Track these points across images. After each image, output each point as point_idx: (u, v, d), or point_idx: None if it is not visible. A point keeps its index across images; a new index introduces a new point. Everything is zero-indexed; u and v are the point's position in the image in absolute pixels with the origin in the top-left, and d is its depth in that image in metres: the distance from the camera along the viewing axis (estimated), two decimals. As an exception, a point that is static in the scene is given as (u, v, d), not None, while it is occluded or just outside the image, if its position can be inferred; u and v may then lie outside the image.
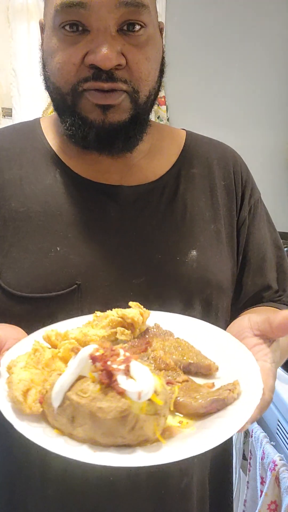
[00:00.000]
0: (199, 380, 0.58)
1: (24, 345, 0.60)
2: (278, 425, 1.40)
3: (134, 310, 0.66)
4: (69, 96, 0.68)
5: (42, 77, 0.72)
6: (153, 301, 0.70)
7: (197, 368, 0.59)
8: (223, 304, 0.78)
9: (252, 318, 0.63)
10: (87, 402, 0.42)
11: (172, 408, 0.50)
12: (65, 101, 0.69)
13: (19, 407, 0.46)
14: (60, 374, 0.49)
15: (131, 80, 0.67)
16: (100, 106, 0.67)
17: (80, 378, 0.45)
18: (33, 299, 0.68)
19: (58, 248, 0.70)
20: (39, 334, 0.63)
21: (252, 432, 1.41)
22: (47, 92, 0.74)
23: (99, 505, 0.70)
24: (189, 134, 0.86)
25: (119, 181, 0.76)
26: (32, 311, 0.68)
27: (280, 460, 1.22)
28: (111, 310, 0.69)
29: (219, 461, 0.83)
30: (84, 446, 0.41)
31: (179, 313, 0.69)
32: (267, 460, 1.27)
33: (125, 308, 0.67)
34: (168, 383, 0.54)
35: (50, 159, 0.76)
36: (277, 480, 1.18)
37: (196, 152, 0.83)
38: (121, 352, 0.45)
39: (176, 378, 0.55)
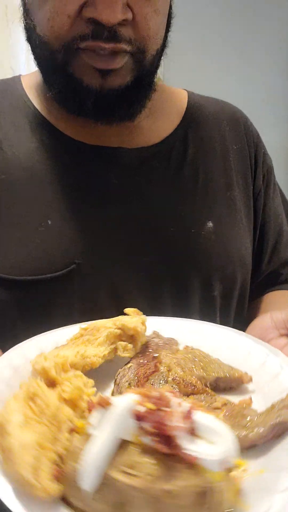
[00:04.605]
0: (230, 398, 0.48)
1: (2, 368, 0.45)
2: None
3: (135, 319, 0.53)
4: (59, 54, 0.56)
5: (23, 24, 0.60)
6: (167, 282, 0.62)
7: (226, 383, 0.49)
8: (247, 283, 0.70)
9: (275, 316, 0.57)
10: (145, 484, 0.29)
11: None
12: (54, 59, 0.57)
13: (29, 490, 0.32)
14: (74, 430, 0.36)
15: (137, 38, 0.56)
16: (99, 70, 0.56)
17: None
18: (24, 283, 0.57)
19: (50, 222, 0.59)
20: (22, 351, 0.49)
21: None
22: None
23: None
24: (192, 94, 0.76)
25: (119, 144, 0.66)
26: (22, 298, 0.58)
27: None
28: (103, 318, 0.56)
29: None
30: None
31: (199, 295, 0.61)
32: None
33: (130, 296, 0.58)
34: None
35: (35, 120, 0.65)
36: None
37: (202, 113, 0.73)
38: (173, 399, 0.33)
39: (212, 403, 0.44)
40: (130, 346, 0.52)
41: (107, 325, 0.53)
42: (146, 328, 0.54)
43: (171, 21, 0.63)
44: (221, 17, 2.08)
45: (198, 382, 0.47)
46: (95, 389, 0.44)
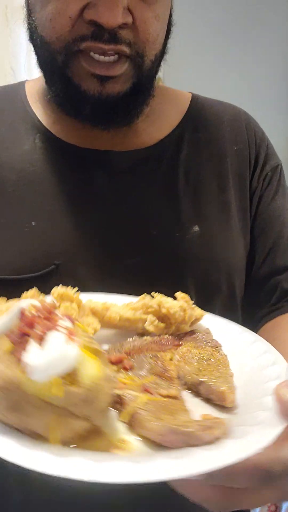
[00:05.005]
0: (207, 410, 0.42)
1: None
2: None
3: (176, 302, 0.54)
4: (60, 55, 0.57)
5: (26, 26, 0.62)
6: (146, 286, 0.59)
7: (208, 392, 0.43)
8: (234, 291, 0.66)
9: None
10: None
11: (125, 420, 0.38)
12: (54, 60, 0.58)
13: None
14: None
15: (136, 42, 0.56)
16: (98, 76, 0.57)
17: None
18: (4, 282, 0.60)
19: (33, 223, 0.61)
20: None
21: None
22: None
23: None
24: (196, 97, 0.75)
25: (111, 147, 0.66)
26: (4, 296, 0.58)
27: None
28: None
29: None
30: None
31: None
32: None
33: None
34: (145, 390, 0.40)
35: (30, 122, 0.67)
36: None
37: (202, 115, 0.72)
38: (60, 320, 0.36)
39: (160, 389, 0.41)
40: (159, 324, 0.53)
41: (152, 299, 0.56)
42: (188, 317, 0.53)
43: (171, 29, 0.62)
44: (222, 19, 2.09)
45: (174, 372, 0.44)
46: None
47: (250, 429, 0.35)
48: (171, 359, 0.47)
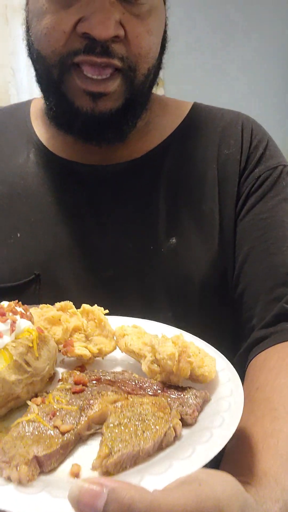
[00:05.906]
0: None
1: None
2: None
3: (168, 349, 0.50)
4: (55, 69, 0.59)
5: (25, 42, 0.63)
6: (121, 300, 0.60)
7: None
8: (212, 307, 0.65)
9: None
10: None
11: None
12: (50, 74, 0.60)
13: None
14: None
15: (129, 56, 0.57)
16: (90, 93, 0.58)
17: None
18: None
19: (19, 234, 0.64)
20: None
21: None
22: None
23: None
24: (196, 106, 0.74)
25: (99, 160, 0.67)
26: None
27: None
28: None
29: None
30: None
31: (153, 314, 0.56)
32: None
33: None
34: (51, 413, 0.44)
35: (27, 137, 0.71)
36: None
37: (196, 124, 0.71)
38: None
39: (58, 420, 0.43)
40: (153, 366, 0.51)
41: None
42: (183, 371, 0.49)
43: (166, 45, 0.63)
44: (222, 21, 2.22)
45: (96, 413, 0.44)
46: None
47: None
48: (114, 402, 0.47)
